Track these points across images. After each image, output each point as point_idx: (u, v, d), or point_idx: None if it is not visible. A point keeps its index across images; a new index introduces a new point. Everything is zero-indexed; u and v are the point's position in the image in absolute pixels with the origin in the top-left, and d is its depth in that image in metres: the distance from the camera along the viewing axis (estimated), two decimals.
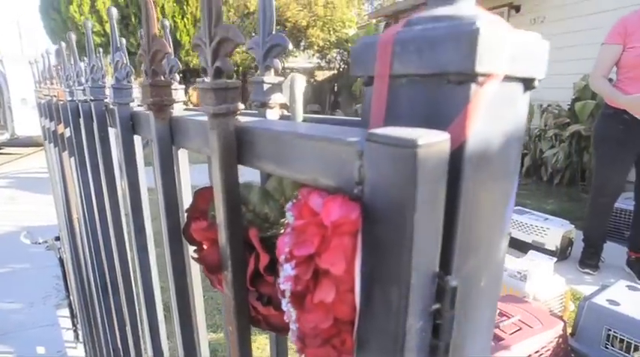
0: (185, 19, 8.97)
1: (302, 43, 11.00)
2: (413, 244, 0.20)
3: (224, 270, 0.35)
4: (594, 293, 1.82)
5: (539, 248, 2.80)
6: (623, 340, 1.62)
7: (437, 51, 0.21)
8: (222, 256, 0.34)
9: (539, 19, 6.04)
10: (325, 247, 0.20)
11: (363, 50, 0.25)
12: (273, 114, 0.39)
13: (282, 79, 0.39)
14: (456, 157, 0.21)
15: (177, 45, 8.87)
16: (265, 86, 0.38)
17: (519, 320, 1.70)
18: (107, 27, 8.96)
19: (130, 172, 0.58)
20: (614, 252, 2.88)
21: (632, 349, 1.60)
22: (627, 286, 1.86)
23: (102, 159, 0.71)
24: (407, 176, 0.19)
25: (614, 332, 1.63)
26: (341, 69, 12.36)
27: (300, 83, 0.37)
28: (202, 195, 0.39)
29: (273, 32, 0.38)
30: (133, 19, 8.87)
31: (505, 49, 0.21)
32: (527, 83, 0.25)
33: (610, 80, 2.52)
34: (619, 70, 2.48)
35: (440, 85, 0.22)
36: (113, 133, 0.71)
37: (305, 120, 0.37)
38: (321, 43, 10.67)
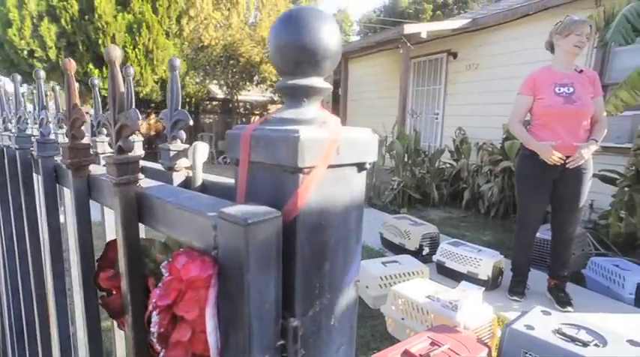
0: (137, 50, 8.89)
1: (255, 78, 11.21)
2: (250, 296, 0.26)
3: (126, 313, 0.39)
4: (514, 320, 1.97)
5: (473, 278, 2.99)
6: None
7: (275, 149, 0.28)
8: (124, 301, 0.39)
9: (474, 65, 6.65)
10: (181, 298, 0.26)
11: (234, 138, 0.33)
12: (179, 176, 0.46)
13: (187, 146, 0.46)
14: (293, 226, 0.28)
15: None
16: (172, 153, 0.45)
17: (449, 349, 1.80)
18: (51, 53, 8.59)
19: (51, 220, 0.61)
20: (538, 279, 3.12)
21: None
22: (542, 311, 2.03)
23: (25, 203, 0.73)
24: (241, 245, 0.26)
25: (530, 354, 1.77)
26: None
27: (202, 151, 0.44)
28: (112, 246, 0.43)
29: (179, 108, 0.44)
30: (80, 47, 8.65)
31: (323, 149, 0.29)
32: (360, 166, 0.33)
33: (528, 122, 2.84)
34: (532, 117, 2.80)
35: (280, 172, 0.29)
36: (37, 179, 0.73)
37: (204, 184, 0.43)
38: (274, 79, 10.94)
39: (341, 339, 0.36)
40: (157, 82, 9.54)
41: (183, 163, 0.45)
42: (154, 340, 0.27)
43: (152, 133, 11.72)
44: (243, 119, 13.11)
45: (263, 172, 0.30)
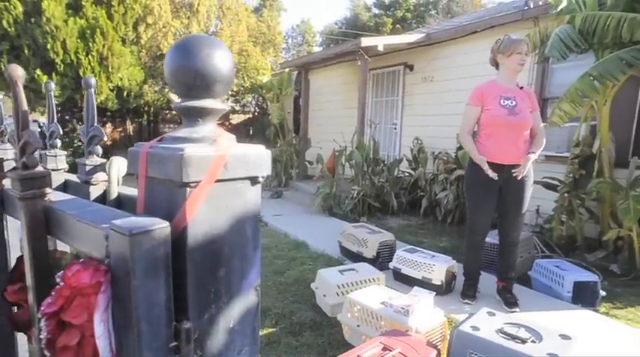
0: (90, 57, 8.58)
1: None
2: (138, 300, 0.29)
3: (33, 326, 0.40)
4: (462, 322, 2.06)
5: (428, 283, 3.09)
6: None
7: (165, 165, 0.31)
8: (32, 314, 0.40)
9: (429, 78, 6.93)
10: (69, 305, 0.28)
11: (134, 155, 0.35)
12: (96, 190, 0.47)
13: (104, 160, 0.48)
14: (183, 236, 0.31)
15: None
16: (87, 167, 0.46)
17: (399, 353, 1.85)
18: None
19: None
20: (489, 282, 3.27)
21: None
22: (487, 312, 2.14)
23: None
24: (128, 253, 0.28)
25: (476, 355, 1.86)
26: (256, 113, 12.63)
27: (118, 165, 0.46)
28: (22, 259, 0.44)
29: (95, 125, 0.46)
30: (25, 51, 8.25)
31: (209, 165, 0.32)
32: (253, 179, 0.36)
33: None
34: (479, 128, 2.97)
35: (171, 186, 0.32)
36: None
37: (119, 197, 0.45)
38: (235, 88, 10.88)
39: (243, 341, 0.38)
40: (112, 91, 9.24)
41: (100, 177, 0.47)
42: (43, 347, 0.29)
43: (108, 142, 11.29)
44: None
45: (158, 186, 0.33)
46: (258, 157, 0.36)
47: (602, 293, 3.09)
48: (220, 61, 0.34)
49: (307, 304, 3.03)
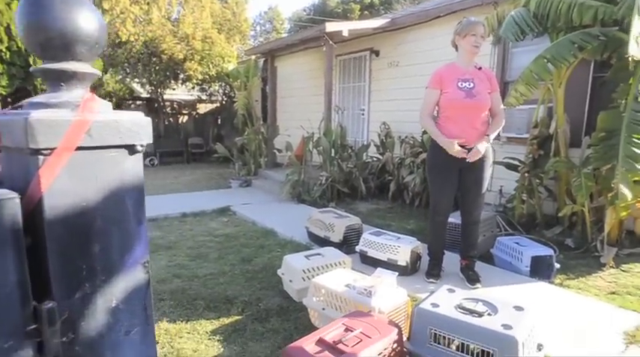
0: None
1: (180, 76, 10.78)
2: None
3: None
4: (423, 299, 2.11)
5: (393, 265, 3.14)
6: (444, 336, 1.90)
7: (13, 132, 0.28)
8: None
9: (395, 63, 6.96)
10: None
11: None
12: None
13: None
14: (39, 208, 0.28)
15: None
16: None
17: (361, 333, 1.88)
18: None
19: None
20: (452, 261, 3.36)
21: (451, 342, 1.89)
22: (448, 289, 2.20)
23: None
24: None
25: (436, 331, 1.91)
26: (224, 102, 12.37)
27: None
28: None
29: None
30: None
31: (65, 130, 0.29)
32: (131, 148, 0.34)
33: None
34: (439, 110, 3.01)
35: (22, 155, 0.29)
36: None
37: None
38: (200, 77, 10.60)
39: (131, 321, 0.36)
40: None
41: None
42: None
43: None
44: (171, 119, 12.55)
45: (10, 156, 0.30)
46: (134, 124, 0.34)
47: (557, 266, 3.24)
48: (83, 18, 0.31)
49: (274, 291, 3.02)
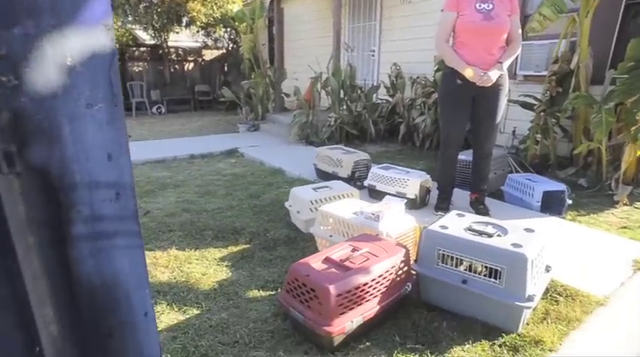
0: None
1: (184, 19, 10.37)
2: None
3: None
4: (432, 223, 2.08)
5: (402, 198, 3.11)
6: (452, 257, 1.89)
7: None
8: None
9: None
10: None
11: None
12: None
13: None
14: None
15: None
16: None
17: (367, 252, 1.87)
18: None
19: None
20: (462, 196, 3.32)
21: (459, 263, 1.88)
22: (457, 214, 2.16)
23: None
24: None
25: (444, 251, 1.90)
26: (229, 48, 11.99)
27: None
28: None
29: None
30: None
31: None
32: None
33: None
34: (454, 36, 2.83)
35: None
36: None
37: None
38: (204, 19, 10.18)
39: (94, 93, 0.30)
40: None
41: None
42: None
43: None
44: (176, 67, 12.26)
45: None
46: None
47: (569, 202, 3.18)
48: None
49: (282, 223, 3.04)
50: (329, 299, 1.59)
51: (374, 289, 1.73)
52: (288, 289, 1.77)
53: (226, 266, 2.44)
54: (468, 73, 2.67)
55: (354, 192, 2.95)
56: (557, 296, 2.04)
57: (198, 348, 1.71)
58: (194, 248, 2.66)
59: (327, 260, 1.82)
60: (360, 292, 1.68)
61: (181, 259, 2.52)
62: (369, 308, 1.71)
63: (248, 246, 2.70)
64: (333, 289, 1.60)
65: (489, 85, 2.69)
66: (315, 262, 1.81)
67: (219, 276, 2.33)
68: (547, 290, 2.07)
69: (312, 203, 2.78)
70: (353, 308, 1.66)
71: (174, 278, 2.30)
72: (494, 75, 2.68)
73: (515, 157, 4.61)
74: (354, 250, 1.89)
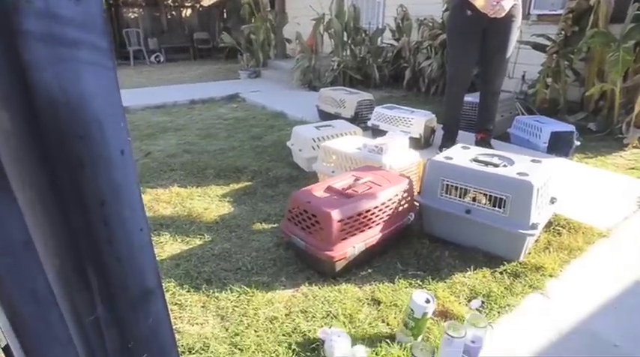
0: None
1: None
2: None
3: None
4: (436, 156, 2.03)
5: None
6: (457, 187, 1.85)
7: None
8: None
9: None
10: None
11: None
12: None
13: None
14: None
15: None
16: None
17: (370, 181, 1.84)
18: None
19: None
20: (468, 139, 3.24)
21: (463, 193, 1.85)
22: (462, 146, 2.11)
23: None
24: None
25: (448, 181, 1.86)
26: None
27: None
28: None
29: None
30: None
31: None
32: None
33: None
34: None
35: None
36: None
37: None
38: None
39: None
40: None
41: None
42: None
43: None
44: (173, 13, 11.76)
45: None
46: None
47: (577, 143, 3.11)
48: None
49: (284, 162, 3.00)
50: (330, 224, 1.58)
51: (376, 216, 1.71)
52: (290, 217, 1.76)
53: (228, 202, 2.43)
54: (479, 2, 2.51)
55: (357, 130, 2.88)
56: (560, 228, 2.03)
57: (201, 274, 1.73)
58: (196, 186, 2.65)
59: (329, 189, 1.79)
60: (363, 218, 1.67)
61: (183, 195, 2.52)
62: (372, 235, 1.70)
63: (250, 183, 2.68)
64: (334, 215, 1.58)
65: (502, 16, 2.53)
66: (317, 190, 1.79)
67: (222, 211, 2.32)
68: (550, 223, 2.06)
69: (314, 141, 2.72)
70: (355, 234, 1.65)
71: (177, 213, 2.30)
72: (507, 4, 2.51)
73: (523, 103, 4.48)
74: (356, 179, 1.86)
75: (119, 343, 0.44)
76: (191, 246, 1.96)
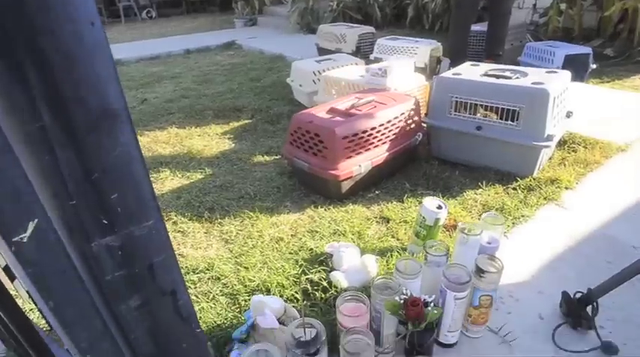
0: None
1: None
2: None
3: None
4: (444, 73, 1.91)
5: None
6: (467, 103, 1.75)
7: None
8: None
9: None
10: None
11: None
12: None
13: None
14: None
15: None
16: None
17: (374, 101, 1.74)
18: None
19: None
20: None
21: (475, 109, 1.74)
22: (471, 64, 1.98)
23: None
24: None
25: (458, 98, 1.75)
26: None
27: None
28: None
29: None
30: None
31: None
32: None
33: None
34: None
35: None
36: None
37: None
38: None
39: None
40: None
41: None
42: None
43: None
44: None
45: None
46: None
47: (593, 66, 2.93)
48: None
49: (284, 100, 2.89)
50: (334, 142, 1.50)
51: (382, 134, 1.63)
52: (292, 140, 1.68)
53: (228, 139, 2.36)
54: None
55: (359, 62, 2.73)
56: (576, 146, 1.94)
57: (203, 203, 1.68)
58: (195, 126, 2.56)
59: (331, 110, 1.70)
60: (368, 136, 1.58)
61: (182, 135, 2.44)
62: (378, 154, 1.62)
63: (250, 121, 2.59)
64: (338, 131, 1.50)
65: None
66: (319, 111, 1.69)
67: (222, 147, 2.25)
68: (564, 142, 1.97)
69: (314, 74, 2.59)
70: (360, 153, 1.58)
71: (176, 151, 2.24)
72: None
73: (533, 34, 4.24)
74: (360, 99, 1.76)
75: (81, 172, 0.38)
76: (192, 180, 1.91)
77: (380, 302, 0.85)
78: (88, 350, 0.44)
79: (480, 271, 0.90)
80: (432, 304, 0.85)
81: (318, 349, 0.75)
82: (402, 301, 0.83)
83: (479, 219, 1.47)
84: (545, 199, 1.55)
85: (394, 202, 1.59)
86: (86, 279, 0.42)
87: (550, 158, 1.84)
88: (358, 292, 0.89)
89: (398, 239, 1.38)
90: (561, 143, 1.95)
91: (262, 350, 0.76)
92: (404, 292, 0.85)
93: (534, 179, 1.68)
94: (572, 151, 1.91)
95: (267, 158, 2.07)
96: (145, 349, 0.50)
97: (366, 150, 1.59)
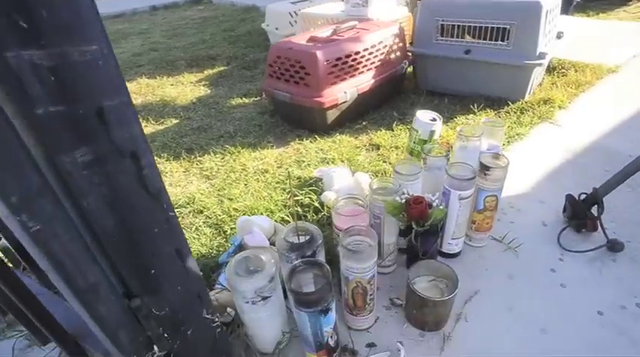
0: None
1: None
2: None
3: None
4: None
5: None
6: (454, 25, 1.64)
7: None
8: None
9: None
10: None
11: None
12: None
13: None
14: None
15: None
16: None
17: (356, 27, 1.62)
18: None
19: None
20: None
21: (464, 31, 1.64)
22: None
23: None
24: None
25: (445, 21, 1.65)
26: None
27: None
28: None
29: None
30: None
31: None
32: None
33: None
34: None
35: None
36: None
37: None
38: None
39: None
40: None
41: None
42: None
43: None
44: None
45: None
46: None
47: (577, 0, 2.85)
48: None
49: (260, 47, 2.73)
50: (316, 67, 1.39)
51: (367, 60, 1.52)
52: (271, 71, 1.56)
53: (204, 86, 2.21)
54: None
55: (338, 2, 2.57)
56: (566, 70, 1.87)
57: (180, 144, 1.57)
58: (167, 76, 2.40)
59: (312, 39, 1.57)
60: (352, 61, 1.48)
61: (154, 86, 2.28)
62: (363, 81, 1.52)
63: (226, 68, 2.44)
64: (320, 55, 1.38)
65: None
66: (299, 40, 1.57)
67: (197, 93, 2.11)
68: (554, 67, 1.90)
69: (291, 16, 2.43)
70: (345, 79, 1.47)
71: (148, 101, 2.09)
72: None
73: None
74: (341, 25, 1.63)
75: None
76: (167, 125, 1.78)
77: (379, 205, 0.78)
78: (21, 207, 0.35)
79: (485, 168, 0.83)
80: (435, 203, 0.78)
81: (314, 252, 0.68)
82: (403, 200, 0.76)
83: None
84: (539, 118, 1.49)
85: (383, 130, 1.51)
86: (8, 109, 0.32)
87: (540, 84, 1.78)
88: (356, 196, 0.81)
89: (390, 163, 1.31)
90: (550, 69, 1.89)
91: (250, 256, 0.68)
92: (404, 192, 0.78)
93: (526, 102, 1.61)
94: (563, 75, 1.85)
95: (245, 100, 1.94)
96: (104, 222, 0.41)
97: (350, 76, 1.49)
